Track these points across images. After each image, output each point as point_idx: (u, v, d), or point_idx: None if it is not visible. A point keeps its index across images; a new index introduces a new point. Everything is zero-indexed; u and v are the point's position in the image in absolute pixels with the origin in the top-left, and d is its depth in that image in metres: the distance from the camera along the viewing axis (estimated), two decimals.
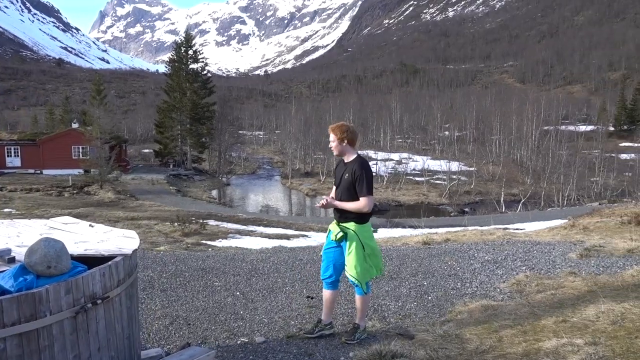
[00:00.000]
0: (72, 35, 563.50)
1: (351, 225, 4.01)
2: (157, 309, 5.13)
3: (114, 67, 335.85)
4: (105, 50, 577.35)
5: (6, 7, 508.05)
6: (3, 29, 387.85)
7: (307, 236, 18.35)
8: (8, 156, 42.05)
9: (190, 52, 49.47)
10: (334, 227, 4.13)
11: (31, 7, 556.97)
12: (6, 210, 24.08)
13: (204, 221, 20.35)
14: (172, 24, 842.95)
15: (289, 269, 6.60)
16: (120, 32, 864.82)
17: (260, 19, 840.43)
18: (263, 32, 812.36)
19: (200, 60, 50.17)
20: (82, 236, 3.52)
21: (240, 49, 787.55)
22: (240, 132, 75.06)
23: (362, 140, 60.53)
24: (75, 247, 3.21)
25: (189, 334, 4.54)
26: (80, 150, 40.72)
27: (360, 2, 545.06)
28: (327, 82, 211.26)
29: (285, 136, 62.67)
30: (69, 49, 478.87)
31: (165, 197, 32.01)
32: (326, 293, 4.28)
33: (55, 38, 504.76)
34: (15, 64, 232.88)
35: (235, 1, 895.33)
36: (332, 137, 4.12)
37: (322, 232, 19.36)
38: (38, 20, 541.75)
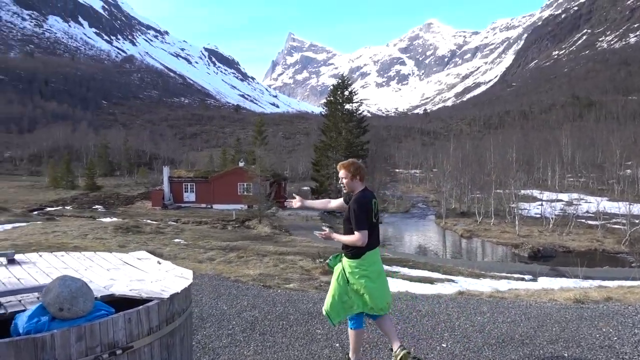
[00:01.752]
0: (249, 84, 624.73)
1: (343, 259, 4.14)
2: (249, 354, 4.77)
3: (282, 110, 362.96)
4: (275, 96, 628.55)
5: (196, 62, 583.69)
6: (193, 81, 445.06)
7: (453, 281, 17.01)
8: (185, 192, 47.02)
9: (346, 93, 51.01)
10: (331, 257, 4.31)
11: (216, 61, 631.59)
12: (176, 240, 26.47)
13: None
14: (336, 68, 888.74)
15: (401, 320, 5.84)
16: (289, 78, 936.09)
17: (420, 58, 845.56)
18: (422, 71, 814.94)
19: (355, 101, 51.41)
20: (141, 274, 3.30)
21: (400, 89, 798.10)
22: (396, 170, 74.89)
23: (525, 179, 56.18)
24: (124, 286, 2.97)
25: None
26: (245, 187, 43.90)
27: (525, 35, 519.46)
28: (489, 119, 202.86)
29: (441, 174, 60.81)
30: (246, 96, 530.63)
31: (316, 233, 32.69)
32: (350, 332, 4.30)
33: (235, 87, 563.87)
34: (201, 111, 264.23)
35: (395, 43, 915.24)
36: (343, 173, 4.21)
37: (472, 277, 17.85)
38: (221, 72, 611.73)
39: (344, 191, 4.31)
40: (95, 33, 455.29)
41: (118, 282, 3.05)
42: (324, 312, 4.14)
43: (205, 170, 51.95)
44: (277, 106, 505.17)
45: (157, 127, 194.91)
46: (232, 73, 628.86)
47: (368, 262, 4.05)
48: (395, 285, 14.16)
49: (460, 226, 43.10)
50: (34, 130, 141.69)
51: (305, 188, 67.53)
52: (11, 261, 3.57)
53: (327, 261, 4.31)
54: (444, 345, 5.00)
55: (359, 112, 52.54)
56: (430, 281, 16.53)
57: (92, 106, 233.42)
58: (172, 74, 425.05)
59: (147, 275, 3.25)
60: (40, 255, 3.76)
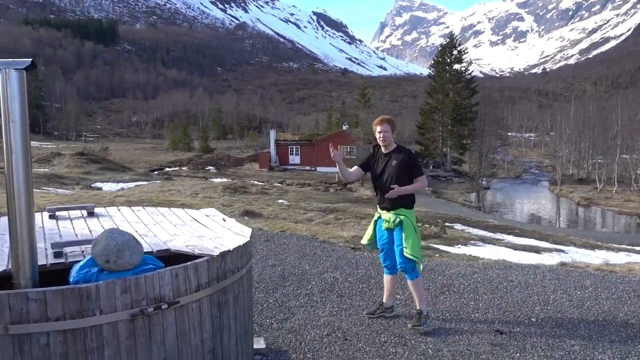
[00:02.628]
0: (356, 47, 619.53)
1: (403, 211, 4.35)
2: (324, 315, 4.72)
3: (389, 73, 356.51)
4: (383, 58, 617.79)
5: (305, 27, 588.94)
6: (302, 45, 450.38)
7: (562, 251, 15.81)
8: (290, 154, 48.25)
9: (455, 52, 48.64)
10: (385, 215, 4.41)
11: (324, 25, 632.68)
12: (279, 201, 27.32)
13: (448, 224, 19.44)
14: (447, 27, 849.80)
15: (489, 290, 5.45)
16: (398, 40, 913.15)
17: (540, 13, 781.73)
18: (543, 27, 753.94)
19: (465, 60, 48.89)
20: (204, 230, 3.30)
21: (516, 47, 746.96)
22: (508, 133, 70.91)
23: None
24: (183, 242, 2.97)
25: (340, 351, 3.99)
26: (348, 150, 44.02)
27: None
28: (617, 77, 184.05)
29: (559, 138, 56.46)
30: (353, 59, 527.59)
31: (418, 197, 31.96)
32: (386, 277, 4.64)
33: (342, 50, 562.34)
34: (309, 75, 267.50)
35: None
36: (386, 127, 4.41)
37: (586, 248, 16.50)
38: (329, 35, 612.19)
39: (382, 144, 4.49)
40: (211, 2, 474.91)
41: (179, 238, 3.07)
42: (413, 258, 4.30)
43: (310, 134, 52.81)
44: (385, 69, 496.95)
45: (267, 91, 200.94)
46: (340, 36, 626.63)
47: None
48: (497, 253, 13.48)
49: (577, 193, 39.99)
50: (156, 96, 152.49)
51: None
52: (90, 214, 3.74)
53: (395, 222, 4.34)
54: (533, 319, 4.58)
55: (469, 72, 49.99)
56: (537, 250, 15.51)
57: (208, 73, 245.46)
58: (281, 40, 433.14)
59: (208, 232, 3.24)
60: (119, 209, 3.91)
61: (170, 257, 2.77)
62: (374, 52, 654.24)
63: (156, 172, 41.94)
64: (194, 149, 69.61)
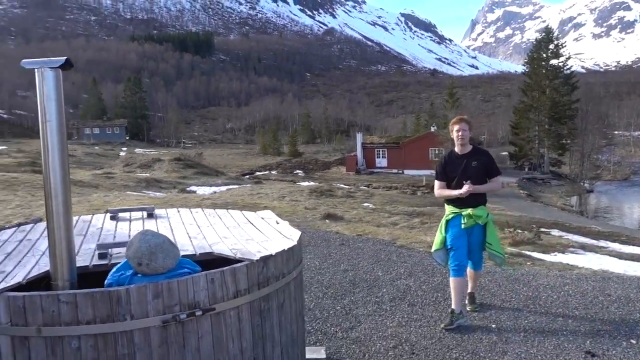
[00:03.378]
0: (446, 47, 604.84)
1: (483, 209, 4.45)
2: (392, 325, 4.43)
3: (481, 72, 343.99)
4: (474, 57, 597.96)
5: (392, 28, 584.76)
6: (389, 48, 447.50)
7: None
8: (377, 157, 47.83)
9: (551, 46, 45.73)
10: (474, 212, 4.38)
11: (412, 26, 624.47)
12: (365, 204, 27.07)
13: (544, 230, 18.18)
14: (543, 21, 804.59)
15: (581, 305, 4.85)
16: (490, 37, 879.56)
17: None
18: None
19: (563, 55, 45.80)
20: (255, 233, 3.16)
21: (623, 39, 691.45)
22: (615, 132, 65.64)
23: None
24: (229, 245, 2.85)
25: None
26: (436, 152, 42.83)
27: None
28: None
29: None
30: (442, 59, 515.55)
31: (512, 201, 30.36)
32: (458, 281, 4.45)
33: (431, 51, 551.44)
34: (397, 77, 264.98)
35: None
36: (464, 126, 4.44)
37: None
38: (417, 36, 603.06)
39: (459, 143, 4.50)
40: (300, 9, 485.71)
41: (227, 241, 2.95)
42: (501, 255, 4.54)
43: (397, 136, 52.03)
44: (476, 67, 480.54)
45: (354, 95, 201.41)
46: (429, 37, 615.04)
47: None
48: (598, 262, 12.31)
49: None
50: (249, 103, 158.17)
51: (504, 153, 63.34)
52: (150, 215, 3.75)
53: (477, 215, 4.41)
54: (633, 341, 3.99)
55: (567, 67, 46.78)
56: None
57: (297, 79, 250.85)
58: (369, 43, 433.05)
59: (258, 235, 3.10)
60: (178, 211, 3.89)
61: (214, 261, 2.65)
62: (464, 51, 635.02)
63: (247, 176, 43.30)
64: (283, 153, 71.20)
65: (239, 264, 2.45)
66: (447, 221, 4.55)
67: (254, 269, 2.49)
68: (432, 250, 4.72)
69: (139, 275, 2.31)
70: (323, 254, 6.98)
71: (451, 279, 4.47)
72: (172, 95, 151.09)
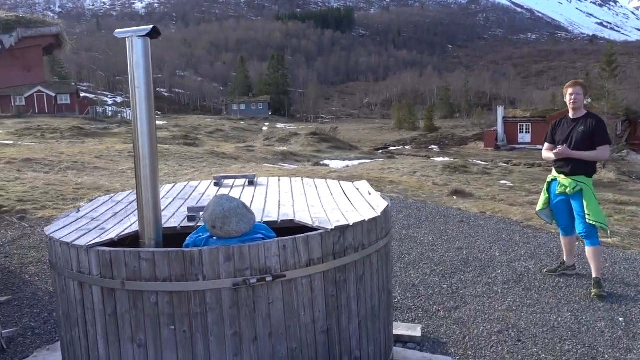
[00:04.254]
0: (609, 9, 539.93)
1: (583, 179, 4.31)
2: (500, 309, 4.13)
3: None
4: None
5: None
6: (542, 13, 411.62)
7: None
8: (520, 132, 44.69)
9: None
10: (563, 180, 4.38)
11: None
12: (502, 182, 25.47)
13: None
14: None
15: None
16: None
17: None
18: None
19: None
20: (344, 203, 3.11)
21: None
22: None
23: None
24: (313, 213, 2.84)
25: (507, 353, 3.42)
26: None
27: None
28: None
29: None
30: (605, 23, 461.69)
31: None
32: (564, 239, 4.75)
33: (591, 15, 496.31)
34: (549, 46, 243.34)
35: None
36: (576, 89, 4.38)
37: None
38: (576, 0, 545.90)
39: (572, 106, 4.47)
40: None
41: (314, 209, 2.93)
42: (597, 224, 4.29)
43: (544, 110, 47.97)
44: None
45: (500, 66, 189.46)
46: None
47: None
48: None
49: None
50: (387, 78, 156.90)
51: None
52: (250, 183, 3.87)
53: (574, 189, 4.35)
54: None
55: None
56: None
57: (439, 51, 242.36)
58: (518, 9, 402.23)
59: (346, 205, 3.03)
60: (279, 180, 3.97)
61: (298, 228, 2.65)
62: (632, 13, 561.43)
63: (380, 151, 43.24)
64: (419, 128, 69.74)
65: (313, 233, 2.42)
66: (548, 183, 4.69)
67: (329, 238, 2.44)
68: (537, 209, 4.95)
69: (214, 238, 2.39)
70: (439, 230, 6.72)
71: (560, 237, 4.86)
72: (312, 72, 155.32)
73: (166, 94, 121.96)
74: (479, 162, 34.05)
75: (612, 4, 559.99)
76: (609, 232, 4.56)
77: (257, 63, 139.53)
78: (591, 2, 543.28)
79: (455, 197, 14.03)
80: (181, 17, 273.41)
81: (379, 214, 2.72)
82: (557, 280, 4.72)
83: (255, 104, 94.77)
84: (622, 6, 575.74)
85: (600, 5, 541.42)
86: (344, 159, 31.46)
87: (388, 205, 2.91)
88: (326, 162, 29.05)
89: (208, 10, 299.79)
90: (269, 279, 2.29)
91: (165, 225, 2.66)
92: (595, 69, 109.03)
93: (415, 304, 4.28)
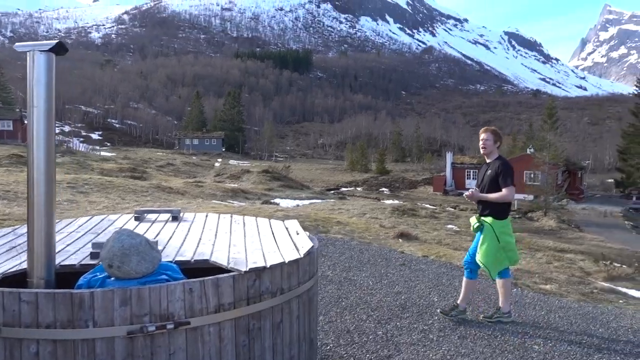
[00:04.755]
0: (551, 66, 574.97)
1: (488, 219, 4.48)
2: (435, 358, 3.97)
3: (590, 93, 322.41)
4: (583, 78, 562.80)
5: (495, 47, 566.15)
6: (490, 67, 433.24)
7: None
8: (467, 178, 45.98)
9: None
10: (472, 220, 4.66)
11: (516, 45, 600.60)
12: (449, 226, 25.99)
13: None
14: None
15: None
16: (602, 57, 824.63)
17: None
18: None
19: None
20: (268, 243, 2.91)
21: None
22: None
23: None
24: (232, 254, 2.63)
25: None
26: (532, 175, 40.33)
27: None
28: None
29: None
30: (547, 79, 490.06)
31: (614, 232, 27.76)
32: (464, 280, 4.87)
33: (535, 70, 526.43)
34: (496, 97, 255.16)
35: None
36: (487, 136, 4.63)
37: None
38: (521, 55, 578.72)
39: (482, 152, 4.73)
40: (399, 28, 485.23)
41: (234, 249, 2.73)
42: (482, 266, 4.55)
43: None
44: (585, 89, 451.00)
45: (450, 115, 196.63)
46: (534, 56, 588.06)
47: (509, 222, 4.57)
48: None
49: None
50: (342, 120, 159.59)
51: (610, 180, 58.48)
52: (174, 218, 3.63)
53: (471, 223, 4.73)
54: None
55: None
56: None
57: (392, 97, 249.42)
58: (469, 62, 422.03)
59: (271, 245, 2.84)
60: (206, 216, 3.75)
61: (214, 269, 2.43)
62: (572, 71, 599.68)
63: (332, 192, 43.35)
64: (371, 170, 70.73)
65: (224, 275, 2.21)
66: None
67: (242, 281, 2.23)
68: None
69: (111, 278, 2.14)
70: (380, 274, 6.58)
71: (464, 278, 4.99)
72: (269, 110, 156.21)
73: (117, 125, 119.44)
74: (427, 205, 34.67)
75: (554, 61, 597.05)
76: (492, 277, 4.70)
77: (214, 99, 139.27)
78: (535, 59, 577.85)
79: (400, 240, 14.05)
80: (139, 49, 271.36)
81: (302, 256, 2.55)
82: (493, 329, 4.62)
83: (209, 140, 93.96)
84: (562, 64, 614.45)
85: (544, 63, 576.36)
86: (295, 198, 31.28)
87: (314, 246, 2.74)
88: (277, 200, 28.76)
89: (167, 44, 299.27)
90: (170, 326, 2.05)
91: (63, 263, 2.39)
92: (538, 121, 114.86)
93: (347, 351, 4.07)
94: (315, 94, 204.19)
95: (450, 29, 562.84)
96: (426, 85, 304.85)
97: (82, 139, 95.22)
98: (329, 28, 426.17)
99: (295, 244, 2.83)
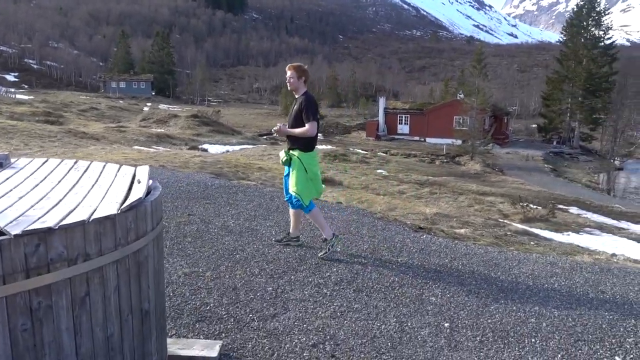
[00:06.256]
0: (485, 13, 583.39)
1: (296, 152, 4.72)
2: (323, 316, 3.62)
3: (520, 41, 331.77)
4: (514, 25, 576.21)
5: None
6: (427, 12, 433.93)
7: None
8: (399, 123, 46.36)
9: (593, 14, 42.92)
10: (281, 154, 4.87)
11: None
12: (378, 170, 26.14)
13: (563, 207, 17.09)
14: None
15: (563, 304, 3.93)
16: (533, 4, 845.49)
17: None
18: None
19: (604, 23, 42.97)
20: (97, 194, 2.34)
21: None
22: None
23: None
24: (40, 210, 2.04)
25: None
26: (461, 120, 41.16)
27: None
28: None
29: None
30: (481, 26, 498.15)
31: (534, 175, 29.00)
32: (290, 211, 5.05)
33: (470, 17, 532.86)
34: (431, 43, 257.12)
35: None
36: (290, 73, 4.76)
37: None
38: (456, 1, 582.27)
39: (289, 88, 4.85)
40: None
41: (41, 204, 2.13)
42: (294, 194, 4.72)
43: (421, 103, 50.26)
44: (516, 36, 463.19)
45: (386, 60, 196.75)
46: (468, 2, 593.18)
47: (315, 154, 4.84)
48: (614, 245, 11.25)
49: None
50: (277, 63, 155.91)
51: (533, 126, 61.02)
52: None
53: (280, 156, 4.88)
54: (618, 358, 3.09)
55: (608, 37, 43.95)
56: None
57: (329, 41, 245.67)
58: (405, 6, 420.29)
59: (94, 198, 2.27)
60: (44, 162, 3.09)
61: None
62: (504, 18, 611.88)
63: (264, 137, 42.49)
64: None
65: None
66: None
67: (15, 247, 1.67)
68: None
69: None
70: (286, 222, 6.15)
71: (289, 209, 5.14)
72: (201, 53, 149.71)
73: (35, 66, 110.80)
74: (359, 150, 34.71)
75: (487, 8, 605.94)
76: (304, 204, 4.74)
77: (142, 39, 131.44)
78: (470, 5, 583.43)
79: (323, 186, 13.74)
80: None
81: (118, 211, 2.00)
82: (392, 280, 4.34)
83: (137, 83, 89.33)
84: (496, 11, 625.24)
85: (478, 9, 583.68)
86: (225, 144, 30.37)
87: (141, 199, 2.19)
88: (205, 146, 27.77)
89: None
90: None
91: None
92: (470, 68, 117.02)
93: (229, 312, 3.64)
94: (250, 36, 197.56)
95: None
96: (363, 29, 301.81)
97: None
98: None
99: (126, 196, 2.27)
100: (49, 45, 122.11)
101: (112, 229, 1.98)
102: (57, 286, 1.79)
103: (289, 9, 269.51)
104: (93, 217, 1.91)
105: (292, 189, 4.72)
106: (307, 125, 4.58)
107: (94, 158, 11.70)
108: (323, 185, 5.18)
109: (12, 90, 70.51)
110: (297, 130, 4.65)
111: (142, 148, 19.22)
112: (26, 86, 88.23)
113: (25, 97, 59.29)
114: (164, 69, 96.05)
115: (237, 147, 29.73)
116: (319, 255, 4.80)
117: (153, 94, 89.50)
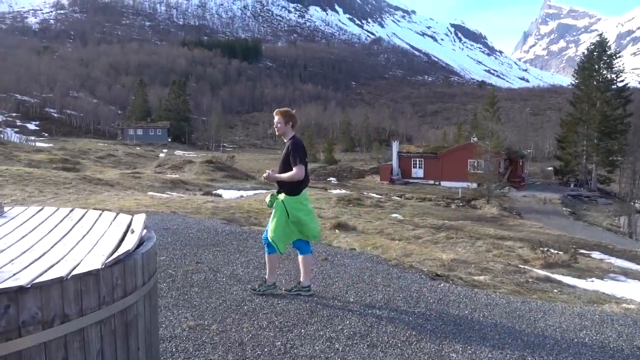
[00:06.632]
0: (495, 58, 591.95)
1: (282, 196, 4.76)
2: None
3: (532, 85, 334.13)
4: (525, 70, 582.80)
5: (442, 39, 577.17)
6: (438, 58, 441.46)
7: None
8: (414, 167, 46.20)
9: (605, 57, 43.08)
10: (267, 198, 4.87)
11: (462, 37, 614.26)
12: (393, 215, 25.78)
13: (585, 252, 16.54)
14: (599, 34, 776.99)
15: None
16: (543, 50, 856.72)
17: None
18: None
19: (616, 66, 43.04)
20: (86, 244, 2.16)
21: None
22: None
23: None
24: (16, 263, 1.86)
25: None
26: (475, 164, 40.88)
27: None
28: None
29: None
30: (492, 71, 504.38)
31: (553, 218, 28.39)
32: (266, 256, 4.98)
33: (480, 62, 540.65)
34: (443, 88, 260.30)
35: None
36: (277, 119, 4.92)
37: None
38: (467, 47, 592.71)
39: (277, 133, 4.97)
40: (349, 19, 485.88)
41: (21, 258, 1.95)
42: (270, 240, 4.71)
43: (435, 146, 50.22)
44: (527, 80, 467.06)
45: (399, 105, 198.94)
46: (479, 48, 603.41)
47: (304, 198, 4.78)
48: (613, 289, 10.69)
49: None
50: (292, 109, 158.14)
51: (549, 168, 60.44)
52: None
53: (266, 200, 4.88)
54: None
55: (620, 79, 43.94)
56: None
57: (342, 87, 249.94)
58: (417, 53, 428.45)
59: (82, 250, 2.09)
60: (39, 211, 2.94)
61: None
62: (515, 63, 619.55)
63: None
64: (320, 160, 70.28)
65: None
66: None
67: None
68: None
69: None
70: (297, 271, 5.92)
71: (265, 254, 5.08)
72: (217, 100, 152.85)
73: (56, 115, 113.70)
74: (373, 195, 34.45)
75: (498, 54, 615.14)
76: (279, 251, 4.73)
77: (159, 88, 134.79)
78: (480, 51, 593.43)
79: (337, 231, 13.51)
80: (79, 35, 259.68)
81: (102, 266, 1.81)
82: (409, 334, 4.04)
83: (153, 130, 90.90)
84: (506, 56, 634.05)
85: (488, 55, 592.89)
86: (239, 189, 30.35)
87: (132, 250, 2.01)
88: (219, 191, 27.76)
89: (109, 31, 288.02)
90: None
91: None
92: (483, 111, 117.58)
93: None
94: (265, 83, 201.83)
95: (399, 20, 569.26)
96: (375, 75, 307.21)
97: (16, 129, 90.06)
98: (278, 17, 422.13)
99: (115, 249, 2.09)
100: (70, 95, 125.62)
101: (96, 285, 1.79)
102: (29, 352, 1.58)
103: (302, 57, 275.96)
104: (74, 272, 1.72)
105: (269, 234, 4.74)
106: (294, 169, 4.62)
107: (105, 204, 11.63)
108: (319, 228, 5.03)
109: (32, 138, 72.12)
110: (285, 175, 4.69)
111: (155, 194, 19.22)
112: (46, 134, 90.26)
113: (45, 145, 60.48)
114: (180, 116, 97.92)
115: (251, 192, 29.64)
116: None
117: (169, 140, 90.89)
